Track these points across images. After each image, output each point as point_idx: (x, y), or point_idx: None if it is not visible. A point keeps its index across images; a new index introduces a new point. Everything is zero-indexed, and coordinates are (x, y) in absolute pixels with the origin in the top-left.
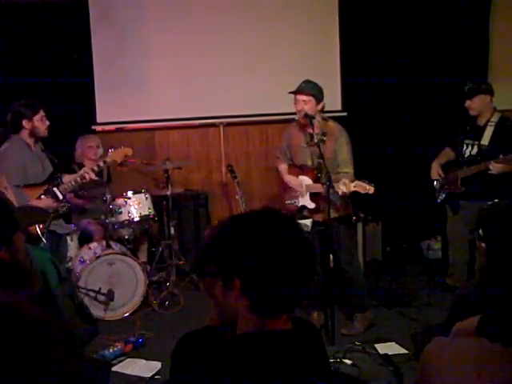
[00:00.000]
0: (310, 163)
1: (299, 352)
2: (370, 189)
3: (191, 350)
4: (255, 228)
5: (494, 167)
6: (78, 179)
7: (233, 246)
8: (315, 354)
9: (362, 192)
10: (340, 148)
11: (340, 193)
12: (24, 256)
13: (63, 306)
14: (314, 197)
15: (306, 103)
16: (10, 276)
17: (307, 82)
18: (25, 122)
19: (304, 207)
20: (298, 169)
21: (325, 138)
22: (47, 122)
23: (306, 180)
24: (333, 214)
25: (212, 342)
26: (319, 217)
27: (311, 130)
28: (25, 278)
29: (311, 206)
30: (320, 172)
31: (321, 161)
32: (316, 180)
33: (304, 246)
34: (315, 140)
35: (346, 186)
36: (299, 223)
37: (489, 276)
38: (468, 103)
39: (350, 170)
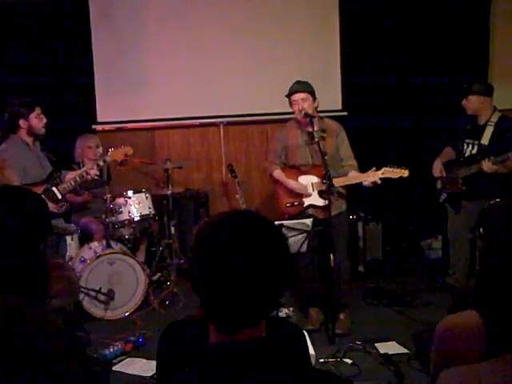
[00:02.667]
0: (311, 162)
1: (264, 362)
2: (404, 172)
3: (175, 340)
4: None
5: (487, 166)
6: (78, 178)
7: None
8: (286, 362)
9: (395, 177)
10: (342, 143)
11: (366, 184)
12: (50, 261)
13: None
14: (322, 193)
15: (305, 101)
16: (40, 280)
17: (299, 82)
18: (21, 122)
19: (310, 206)
20: (296, 170)
21: (324, 135)
22: (44, 119)
23: (312, 178)
24: (334, 212)
25: (194, 333)
26: (328, 214)
27: (311, 129)
28: (52, 282)
29: (320, 203)
30: (327, 169)
31: (326, 158)
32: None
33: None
34: (316, 138)
35: (371, 176)
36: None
37: (485, 280)
38: (463, 102)
39: (354, 162)
